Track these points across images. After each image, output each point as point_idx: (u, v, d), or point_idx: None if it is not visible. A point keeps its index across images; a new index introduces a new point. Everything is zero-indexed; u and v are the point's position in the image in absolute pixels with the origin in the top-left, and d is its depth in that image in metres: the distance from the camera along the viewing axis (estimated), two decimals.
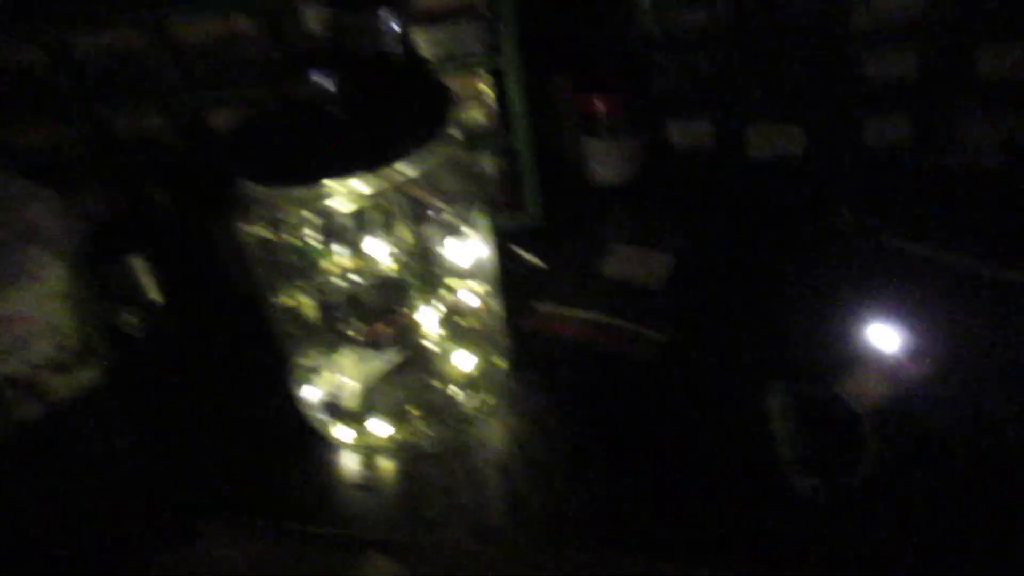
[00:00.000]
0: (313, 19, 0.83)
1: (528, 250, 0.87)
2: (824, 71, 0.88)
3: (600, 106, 0.92)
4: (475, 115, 0.86)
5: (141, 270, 0.91)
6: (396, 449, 0.68)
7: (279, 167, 0.56)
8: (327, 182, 0.55)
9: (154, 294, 0.92)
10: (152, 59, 0.88)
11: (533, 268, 0.86)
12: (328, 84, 0.53)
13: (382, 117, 0.57)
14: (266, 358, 0.80)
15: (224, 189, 0.86)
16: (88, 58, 0.89)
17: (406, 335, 0.74)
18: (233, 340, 0.85)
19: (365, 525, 0.63)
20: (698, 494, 0.60)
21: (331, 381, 0.70)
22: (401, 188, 0.58)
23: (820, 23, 0.85)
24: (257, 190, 0.58)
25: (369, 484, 0.66)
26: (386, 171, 0.56)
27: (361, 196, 0.57)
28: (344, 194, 0.57)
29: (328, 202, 0.58)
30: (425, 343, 0.73)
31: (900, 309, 0.68)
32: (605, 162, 0.95)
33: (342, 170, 0.55)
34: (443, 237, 0.63)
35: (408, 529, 0.62)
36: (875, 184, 0.88)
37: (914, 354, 0.61)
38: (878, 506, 0.56)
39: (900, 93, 0.87)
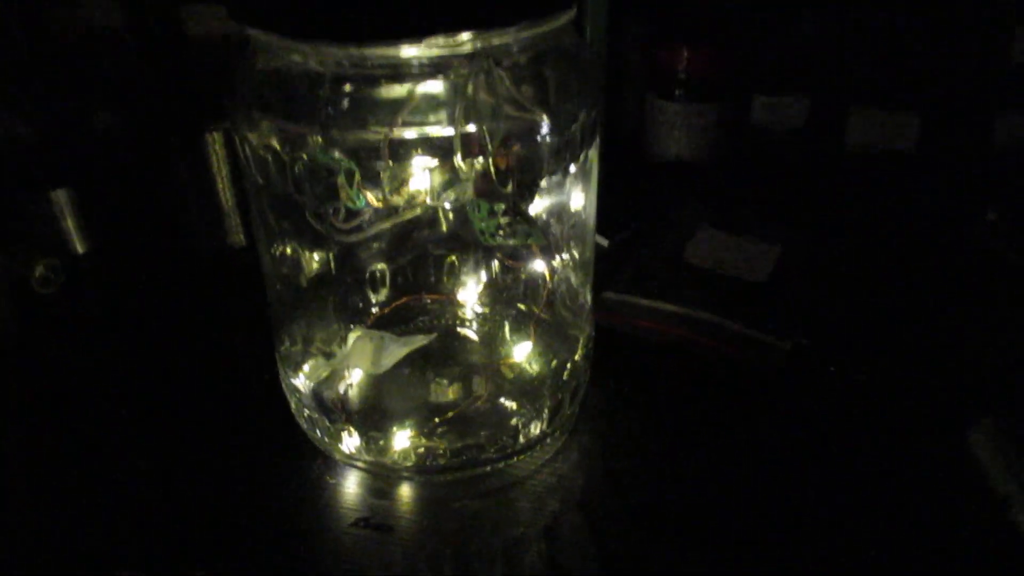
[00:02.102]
0: None
1: None
2: (955, 48, 0.72)
3: (680, 62, 0.74)
4: None
5: (66, 209, 0.69)
6: (425, 471, 0.47)
7: (323, 17, 0.36)
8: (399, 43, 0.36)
9: (80, 242, 0.71)
10: None
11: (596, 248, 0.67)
12: None
13: None
14: (239, 336, 0.59)
15: (201, 99, 0.66)
16: None
17: (447, 311, 0.54)
18: (191, 309, 0.64)
19: None
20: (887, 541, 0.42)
21: (334, 369, 0.50)
22: (494, 76, 0.38)
23: None
24: (280, 54, 0.38)
25: (382, 522, 0.45)
26: (479, 41, 0.37)
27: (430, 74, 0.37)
28: (416, 70, 0.37)
29: (388, 88, 0.38)
30: (471, 326, 0.54)
31: None
32: (676, 132, 0.77)
33: (432, 25, 0.35)
34: (535, 173, 0.43)
35: None
36: (1007, 189, 0.73)
37: None
38: None
39: None
